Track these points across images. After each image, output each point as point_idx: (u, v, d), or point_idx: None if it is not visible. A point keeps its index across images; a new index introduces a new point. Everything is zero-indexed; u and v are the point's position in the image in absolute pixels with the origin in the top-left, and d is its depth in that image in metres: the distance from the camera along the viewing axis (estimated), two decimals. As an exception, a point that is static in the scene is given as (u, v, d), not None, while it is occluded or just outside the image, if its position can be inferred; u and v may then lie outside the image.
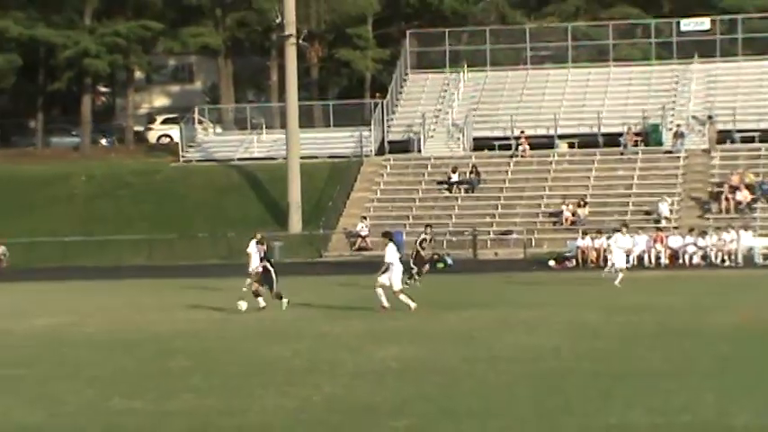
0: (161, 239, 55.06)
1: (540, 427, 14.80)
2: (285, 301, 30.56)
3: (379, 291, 29.36)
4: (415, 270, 38.58)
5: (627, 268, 38.43)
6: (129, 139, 73.77)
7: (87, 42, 69.31)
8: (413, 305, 28.60)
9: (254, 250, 38.50)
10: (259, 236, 40.55)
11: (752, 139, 58.18)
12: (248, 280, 36.96)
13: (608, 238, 44.03)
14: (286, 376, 19.21)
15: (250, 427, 15.22)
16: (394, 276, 29.07)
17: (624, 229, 41.22)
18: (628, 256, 41.62)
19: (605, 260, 47.31)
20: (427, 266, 40.15)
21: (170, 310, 31.63)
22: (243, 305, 30.53)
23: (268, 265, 31.54)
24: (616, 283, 36.15)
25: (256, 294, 30.95)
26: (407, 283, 37.37)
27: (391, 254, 29.13)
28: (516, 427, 14.85)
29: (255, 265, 38.03)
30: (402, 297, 28.91)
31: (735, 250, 47.36)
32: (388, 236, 30.44)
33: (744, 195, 53.04)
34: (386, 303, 29.16)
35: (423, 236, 40.09)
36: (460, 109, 63.52)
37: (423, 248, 39.55)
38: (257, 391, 17.71)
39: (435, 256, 49.72)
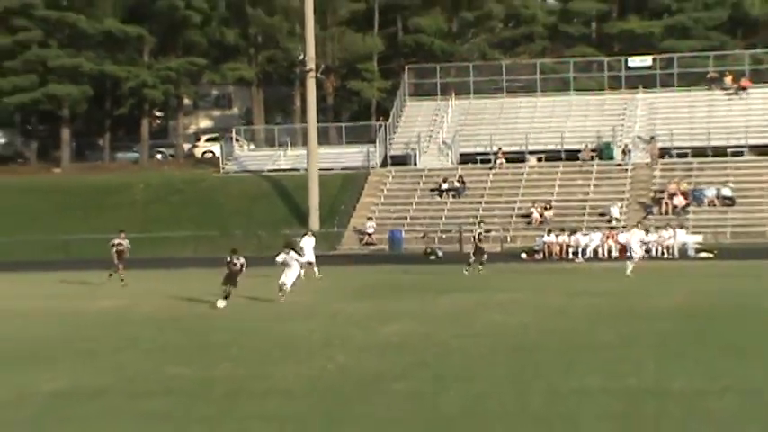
0: (205, 236, 54.88)
1: (514, 389, 14.76)
2: (222, 301, 27.57)
3: (295, 283, 29.30)
4: (473, 260, 37.63)
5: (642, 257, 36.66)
6: (179, 154, 73.87)
7: (146, 76, 69.47)
8: (283, 300, 28.11)
9: (306, 245, 37.95)
10: (310, 232, 40.07)
11: (686, 155, 58.05)
12: (303, 269, 36.61)
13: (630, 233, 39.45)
14: (305, 349, 19.14)
15: (275, 390, 15.18)
16: (291, 274, 28.74)
17: (639, 225, 40.37)
18: (643, 247, 38.69)
19: (567, 253, 47.47)
20: (485, 255, 38.12)
21: (212, 295, 31.52)
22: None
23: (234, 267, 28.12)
24: (628, 272, 34.84)
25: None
26: (467, 271, 36.99)
27: (293, 257, 29.03)
28: (495, 389, 14.81)
29: (309, 257, 37.50)
30: (285, 289, 28.49)
31: (672, 245, 47.26)
32: (291, 245, 30.00)
33: (679, 200, 52.97)
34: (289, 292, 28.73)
35: (478, 229, 38.83)
36: (449, 130, 63.37)
37: (480, 240, 38.42)
38: (281, 361, 17.65)
39: (428, 250, 49.66)
